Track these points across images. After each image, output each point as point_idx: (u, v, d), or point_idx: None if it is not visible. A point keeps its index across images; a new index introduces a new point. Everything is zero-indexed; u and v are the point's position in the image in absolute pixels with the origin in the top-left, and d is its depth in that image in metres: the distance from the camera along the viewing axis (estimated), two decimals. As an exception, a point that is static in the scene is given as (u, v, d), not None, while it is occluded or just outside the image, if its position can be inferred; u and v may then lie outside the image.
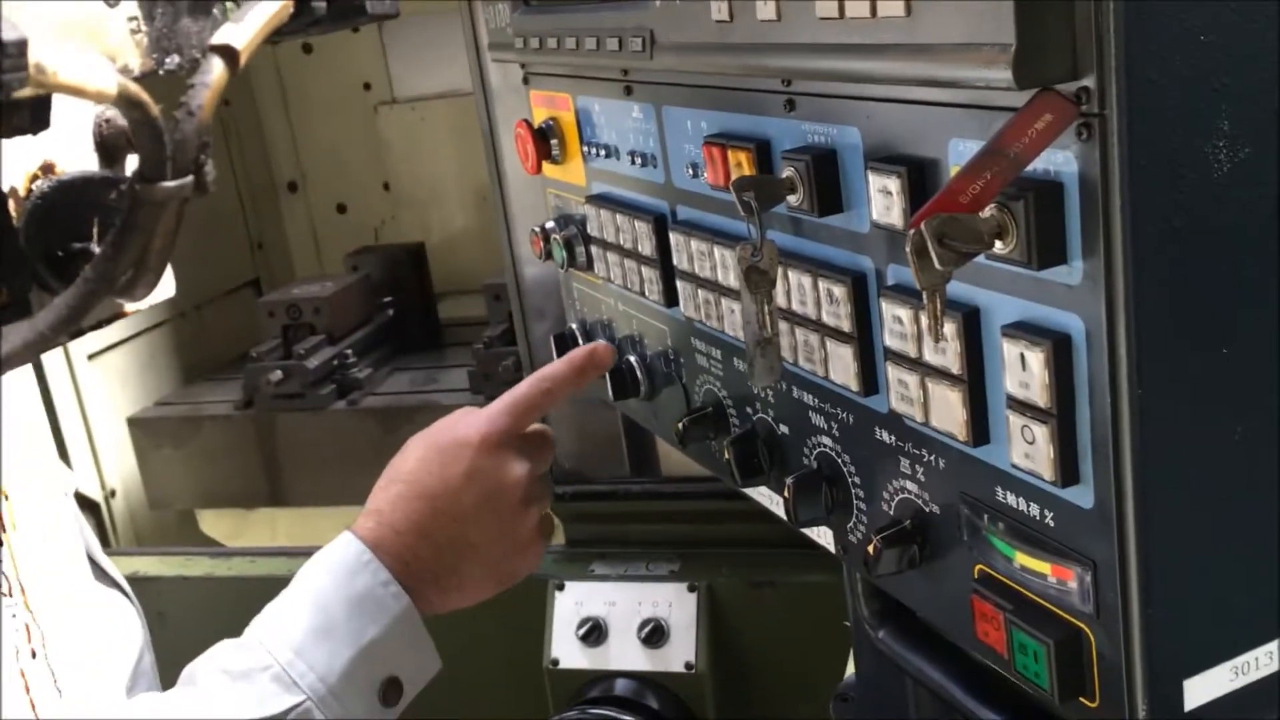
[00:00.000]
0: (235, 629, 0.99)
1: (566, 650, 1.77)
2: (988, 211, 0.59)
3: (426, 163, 2.91)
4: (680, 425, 1.00)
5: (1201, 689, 0.63)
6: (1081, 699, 0.66)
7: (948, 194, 0.58)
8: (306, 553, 1.02)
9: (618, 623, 1.76)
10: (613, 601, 1.77)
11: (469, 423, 1.05)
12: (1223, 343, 0.59)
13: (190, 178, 0.58)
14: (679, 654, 1.73)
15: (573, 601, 1.79)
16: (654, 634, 1.73)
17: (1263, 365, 0.60)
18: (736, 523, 1.77)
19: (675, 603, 1.75)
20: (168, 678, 1.01)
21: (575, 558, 1.88)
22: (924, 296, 0.60)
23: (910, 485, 0.77)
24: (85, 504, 2.29)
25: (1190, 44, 0.55)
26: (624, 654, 1.75)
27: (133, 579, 1.18)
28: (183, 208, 0.59)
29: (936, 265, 0.57)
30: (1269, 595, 0.64)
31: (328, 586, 0.97)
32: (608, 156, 1.07)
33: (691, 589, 1.75)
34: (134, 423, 2.44)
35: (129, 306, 0.72)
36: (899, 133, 0.69)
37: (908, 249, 0.58)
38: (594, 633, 1.75)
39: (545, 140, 1.16)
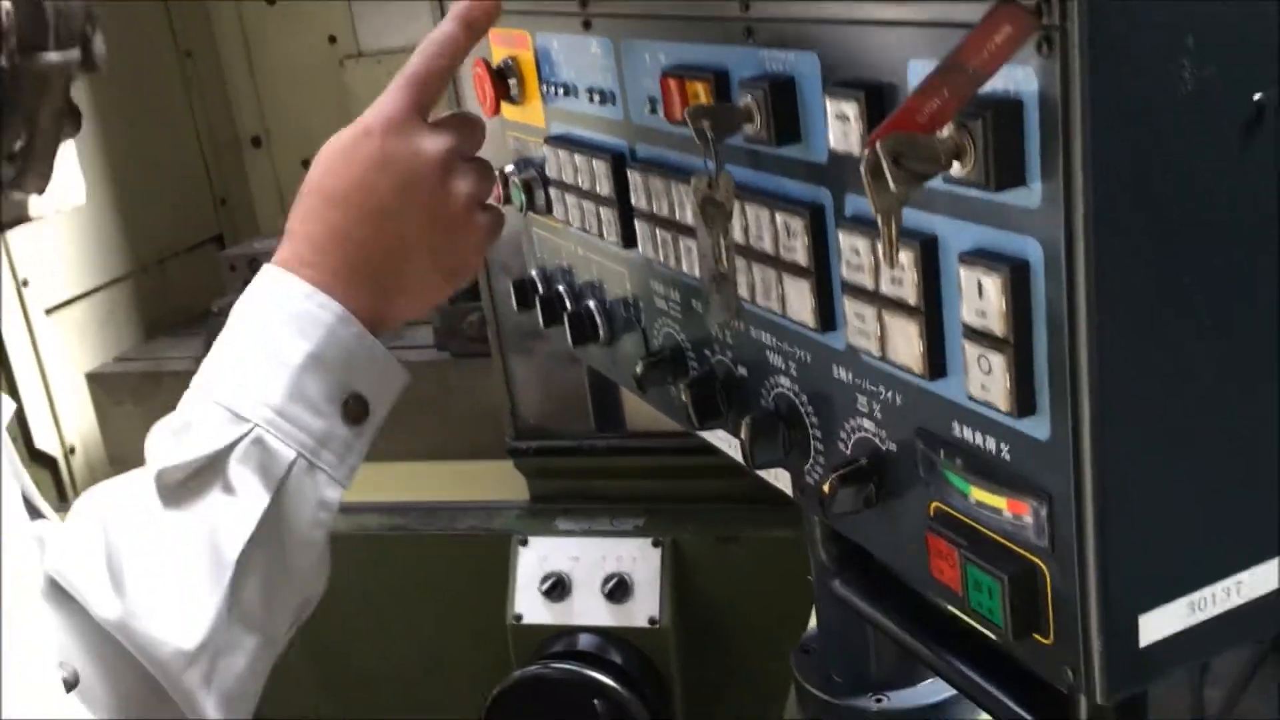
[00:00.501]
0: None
1: (530, 605, 1.76)
2: (946, 131, 0.57)
3: (393, 118, 2.87)
4: (638, 369, 0.98)
5: (1158, 624, 0.62)
6: (1036, 636, 0.65)
7: (904, 113, 0.56)
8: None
9: (581, 578, 1.75)
10: (576, 557, 1.76)
11: (364, 116, 0.96)
12: (1186, 267, 0.57)
13: (76, 50, 0.54)
14: (643, 609, 1.72)
15: (536, 557, 1.78)
16: (617, 589, 1.72)
17: (1228, 290, 0.59)
18: (703, 478, 1.76)
19: (639, 558, 1.74)
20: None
21: (540, 513, 1.87)
22: (879, 221, 0.58)
23: (867, 423, 0.75)
24: (43, 460, 2.26)
25: (1154, -45, 0.53)
26: (587, 609, 1.74)
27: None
28: (68, 85, 0.55)
29: (891, 187, 0.55)
30: (1227, 530, 0.63)
31: (252, 318, 0.92)
32: (567, 95, 1.05)
33: (656, 544, 1.74)
34: (93, 378, 2.40)
35: (32, 210, 0.68)
36: (858, 56, 0.67)
37: (862, 170, 0.56)
38: (557, 588, 1.74)
39: (503, 80, 1.14)
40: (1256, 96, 0.57)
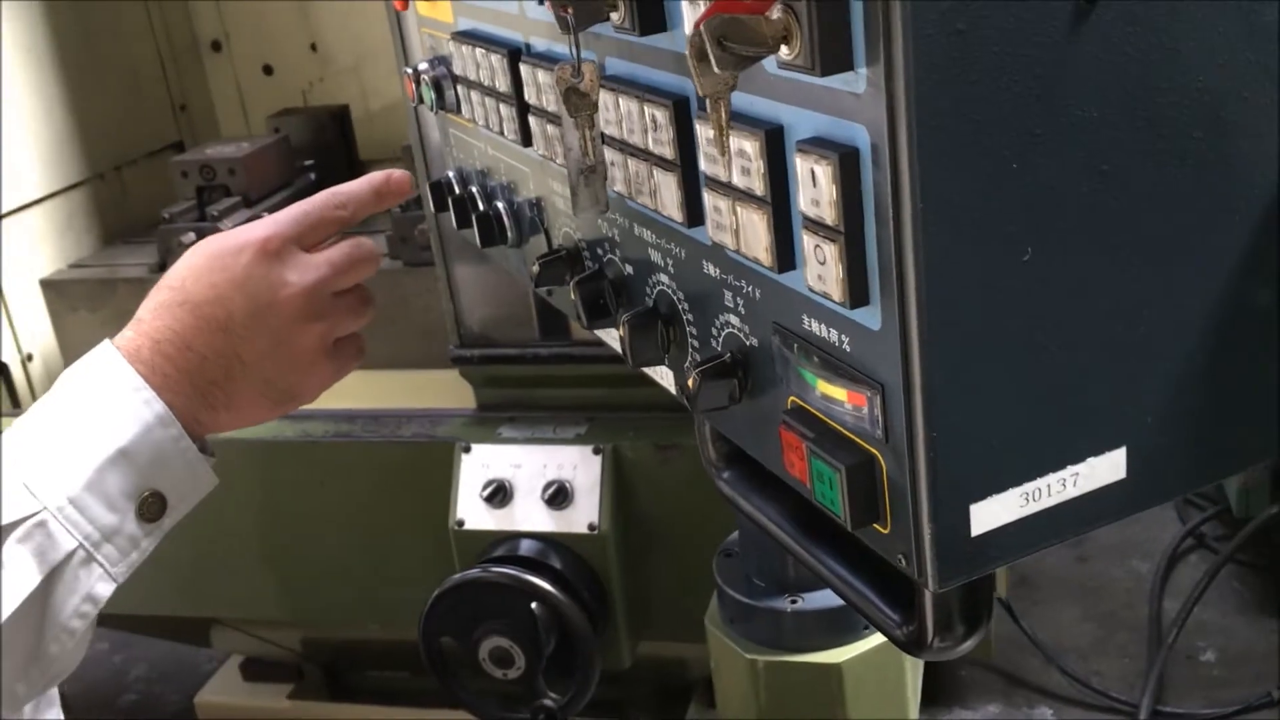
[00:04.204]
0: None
1: (472, 512, 1.77)
2: (776, 14, 0.56)
3: (355, 23, 2.83)
4: (535, 267, 0.98)
5: (989, 514, 0.63)
6: (876, 525, 0.65)
7: (729, -8, 0.55)
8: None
9: (523, 485, 1.76)
10: (518, 464, 1.77)
11: (248, 229, 0.96)
12: (1013, 157, 0.57)
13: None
14: (582, 516, 1.73)
15: (478, 464, 1.79)
16: (557, 495, 1.73)
17: (1056, 181, 0.58)
18: (646, 387, 1.76)
19: (580, 465, 1.75)
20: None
21: (484, 421, 1.88)
22: (708, 106, 0.57)
23: (733, 319, 0.75)
24: (-7, 366, 2.25)
25: None
26: (528, 516, 1.75)
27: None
28: None
29: (715, 69, 0.55)
30: (1060, 422, 0.63)
31: (78, 395, 0.91)
32: (470, -11, 1.03)
33: (596, 451, 1.75)
34: (47, 285, 2.40)
35: None
36: (711, -57, 0.66)
37: (687, 52, 0.55)
38: (498, 494, 1.76)
39: (413, -25, 1.12)
40: (1090, -15, 0.56)
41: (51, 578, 0.86)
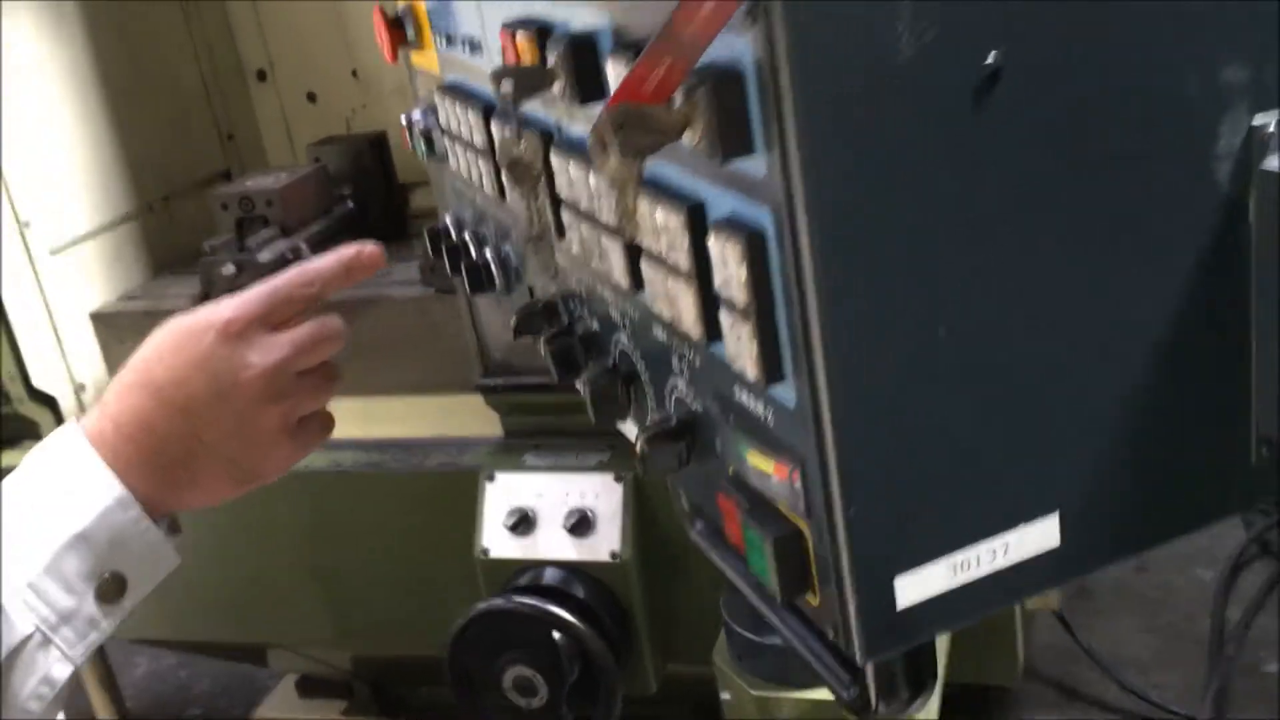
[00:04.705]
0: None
1: (496, 540, 1.79)
2: (677, 101, 0.57)
3: (395, 50, 2.87)
4: (514, 318, 0.99)
5: (916, 586, 0.62)
6: (808, 597, 0.65)
7: (630, 82, 0.56)
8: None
9: (546, 513, 1.78)
10: (541, 492, 1.79)
11: (213, 309, 0.97)
12: (919, 238, 0.57)
13: None
14: (604, 543, 1.75)
15: (503, 492, 1.81)
16: (580, 524, 1.74)
17: (967, 258, 0.58)
18: (669, 414, 1.77)
19: (602, 493, 1.76)
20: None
21: (510, 449, 1.90)
22: (615, 190, 0.58)
23: (680, 383, 0.75)
24: (42, 399, 2.32)
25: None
26: (551, 544, 1.77)
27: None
28: None
29: (615, 158, 0.56)
30: (986, 491, 0.63)
31: (40, 478, 0.93)
32: (450, 44, 1.05)
33: (618, 479, 1.76)
34: (97, 318, 2.46)
35: None
36: (637, 16, 0.67)
37: (590, 142, 0.56)
38: (522, 523, 1.77)
39: (400, 28, 1.14)
40: (989, 59, 0.56)
41: (9, 660, 0.88)
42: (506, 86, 0.72)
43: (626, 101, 0.55)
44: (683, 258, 0.65)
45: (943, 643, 1.46)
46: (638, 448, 0.75)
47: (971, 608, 0.64)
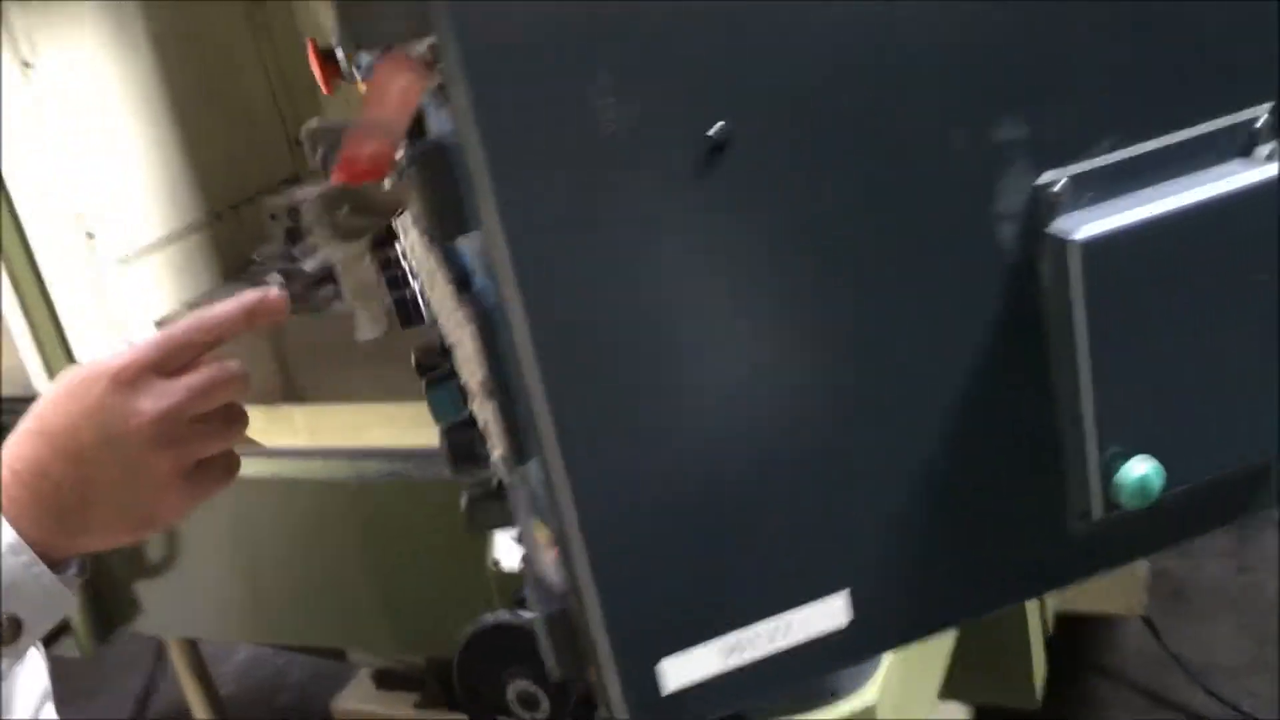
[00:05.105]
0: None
1: (507, 552, 1.80)
2: (390, 182, 0.55)
3: (455, 53, 2.89)
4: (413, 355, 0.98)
5: (684, 669, 0.60)
6: (588, 673, 0.64)
7: (344, 164, 0.55)
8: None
9: (556, 524, 1.77)
10: (552, 504, 1.78)
11: (108, 357, 0.97)
12: (650, 311, 0.54)
13: None
14: (613, 556, 1.73)
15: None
16: (589, 536, 1.74)
17: (708, 332, 0.55)
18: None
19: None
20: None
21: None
22: (337, 272, 0.57)
23: (496, 448, 0.74)
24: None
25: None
26: (561, 555, 1.76)
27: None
28: None
29: (327, 239, 0.54)
30: (760, 571, 0.60)
31: None
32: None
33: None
34: (161, 325, 2.55)
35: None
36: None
37: (304, 222, 0.55)
38: (532, 534, 1.77)
39: (333, 60, 1.14)
40: (714, 129, 0.53)
41: None
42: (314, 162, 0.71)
43: (341, 182, 0.54)
44: (453, 330, 0.64)
45: (938, 657, 1.42)
46: (462, 505, 0.74)
47: (755, 686, 0.61)
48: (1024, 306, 0.58)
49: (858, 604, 0.61)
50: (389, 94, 0.51)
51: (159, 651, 2.90)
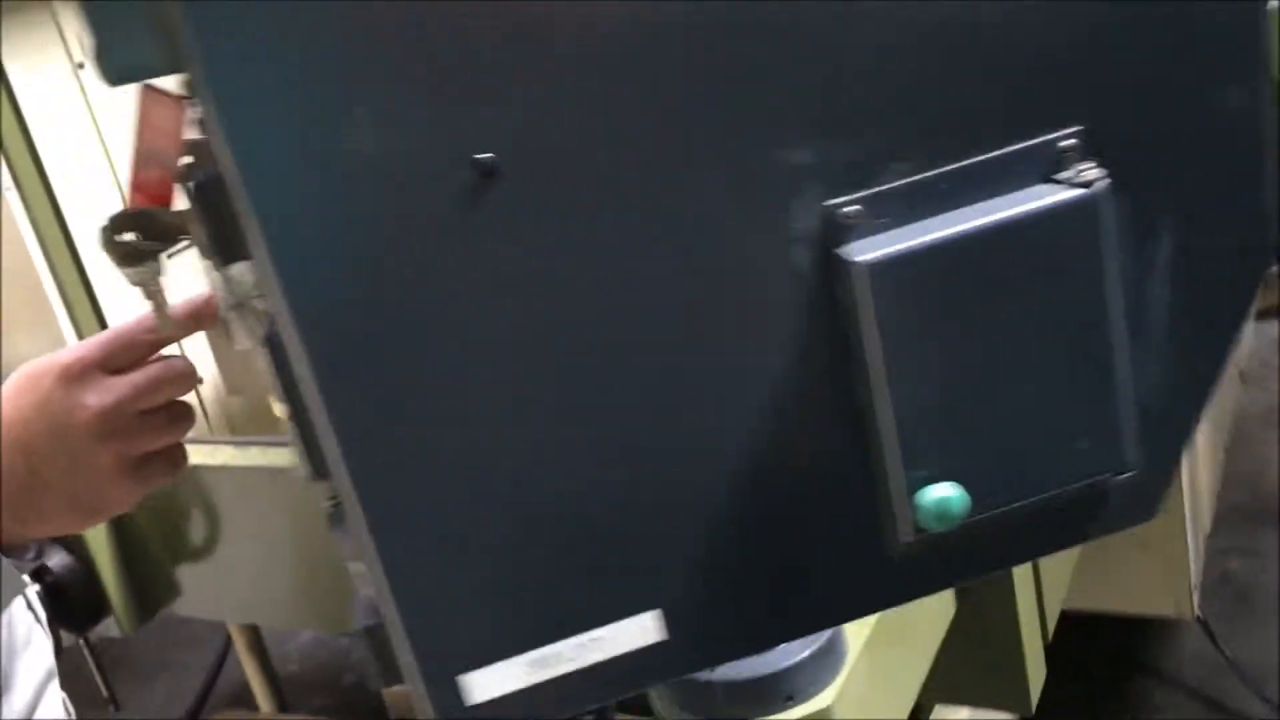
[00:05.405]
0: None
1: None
2: (180, 205, 0.57)
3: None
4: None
5: (488, 683, 0.61)
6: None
7: (133, 188, 0.57)
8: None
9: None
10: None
11: (58, 353, 1.00)
12: (424, 334, 0.55)
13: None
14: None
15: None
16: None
17: (462, 364, 0.56)
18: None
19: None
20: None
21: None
22: (142, 293, 0.59)
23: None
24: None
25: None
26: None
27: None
28: None
29: (119, 261, 0.56)
30: (562, 587, 0.60)
31: None
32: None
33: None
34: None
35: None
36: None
37: (99, 246, 0.57)
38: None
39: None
40: (482, 157, 0.53)
41: None
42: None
43: (133, 207, 0.56)
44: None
45: (916, 660, 1.40)
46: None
47: (569, 701, 0.62)
48: (832, 329, 0.58)
49: (671, 623, 0.61)
50: (152, 125, 0.53)
51: (227, 632, 2.99)
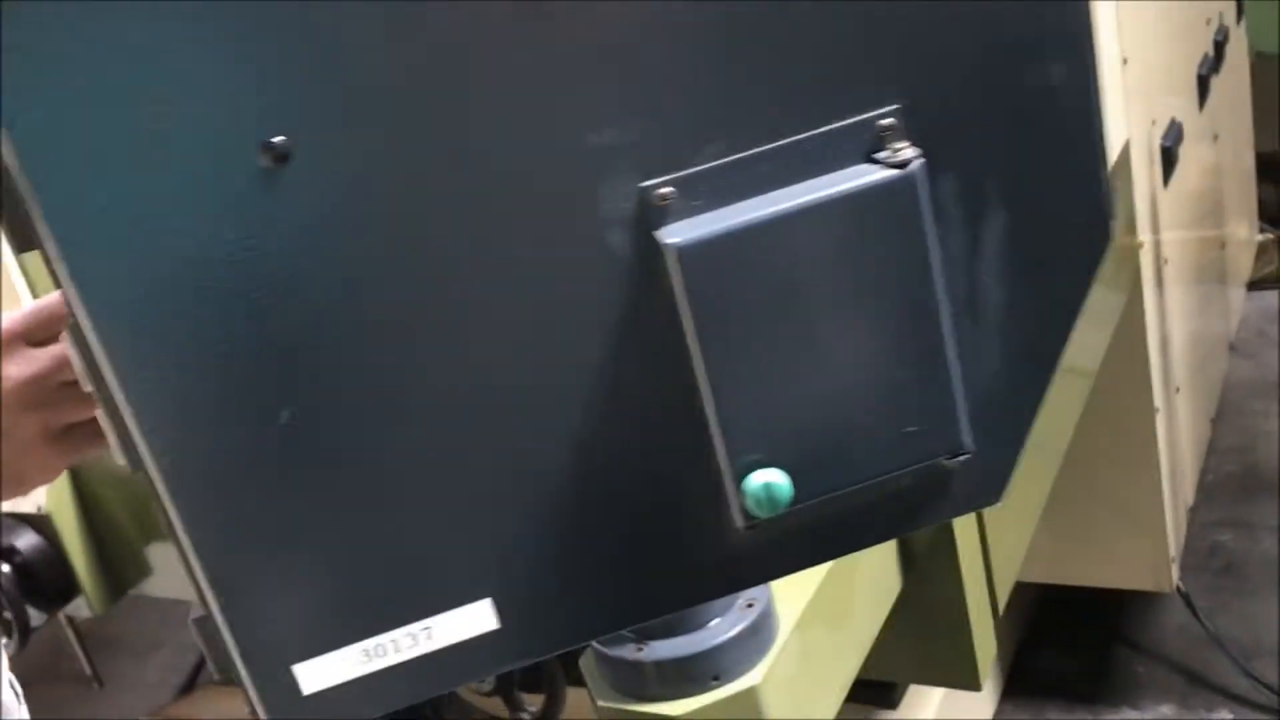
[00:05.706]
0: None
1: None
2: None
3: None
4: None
5: (321, 673, 0.60)
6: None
7: None
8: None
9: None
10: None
11: None
12: (214, 332, 0.54)
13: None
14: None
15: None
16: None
17: (299, 338, 0.55)
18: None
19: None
20: None
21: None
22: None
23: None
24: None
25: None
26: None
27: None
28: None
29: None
30: (386, 578, 0.60)
31: None
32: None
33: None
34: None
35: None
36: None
37: None
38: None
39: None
40: (276, 140, 0.52)
41: None
42: None
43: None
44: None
45: (855, 637, 1.39)
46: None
47: (407, 689, 0.61)
48: (661, 314, 0.57)
49: (505, 611, 0.61)
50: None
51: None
